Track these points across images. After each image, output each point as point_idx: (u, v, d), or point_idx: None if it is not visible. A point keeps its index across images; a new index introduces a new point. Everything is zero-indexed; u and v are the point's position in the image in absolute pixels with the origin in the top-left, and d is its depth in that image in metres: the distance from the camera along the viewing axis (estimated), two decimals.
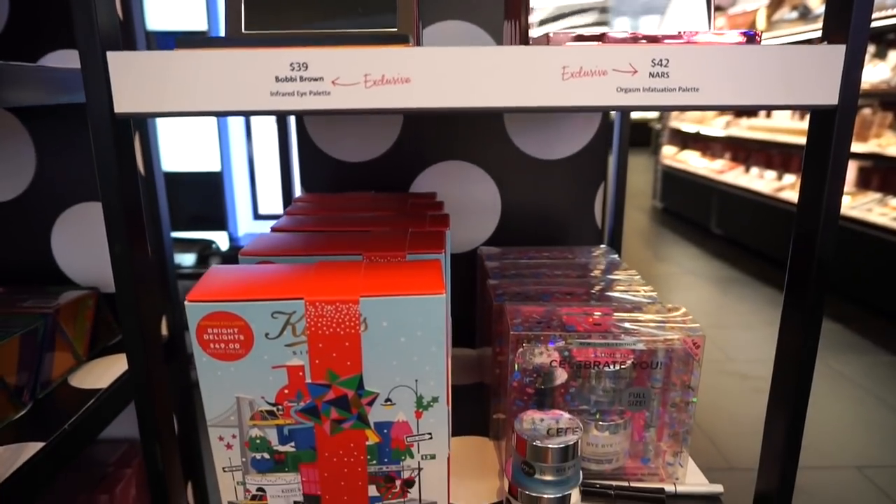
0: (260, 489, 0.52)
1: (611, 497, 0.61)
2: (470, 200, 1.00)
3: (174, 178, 2.76)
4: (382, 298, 0.46)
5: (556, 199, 0.99)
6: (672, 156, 5.71)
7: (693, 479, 0.65)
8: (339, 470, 0.52)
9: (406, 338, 0.48)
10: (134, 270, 0.47)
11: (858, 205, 3.23)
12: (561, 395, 0.62)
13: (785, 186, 3.93)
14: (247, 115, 0.52)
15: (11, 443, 0.73)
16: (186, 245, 2.43)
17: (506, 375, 0.64)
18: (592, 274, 0.78)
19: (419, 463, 0.52)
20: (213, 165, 2.60)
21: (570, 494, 0.55)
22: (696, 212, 5.01)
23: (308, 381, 0.48)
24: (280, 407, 0.49)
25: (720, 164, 4.90)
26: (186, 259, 2.42)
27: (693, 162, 5.27)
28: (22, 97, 0.66)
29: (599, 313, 0.64)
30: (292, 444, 0.51)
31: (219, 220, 2.59)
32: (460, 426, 0.76)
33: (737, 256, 4.19)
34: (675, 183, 5.45)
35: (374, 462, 0.52)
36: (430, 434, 0.51)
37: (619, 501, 0.61)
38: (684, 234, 4.91)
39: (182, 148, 2.60)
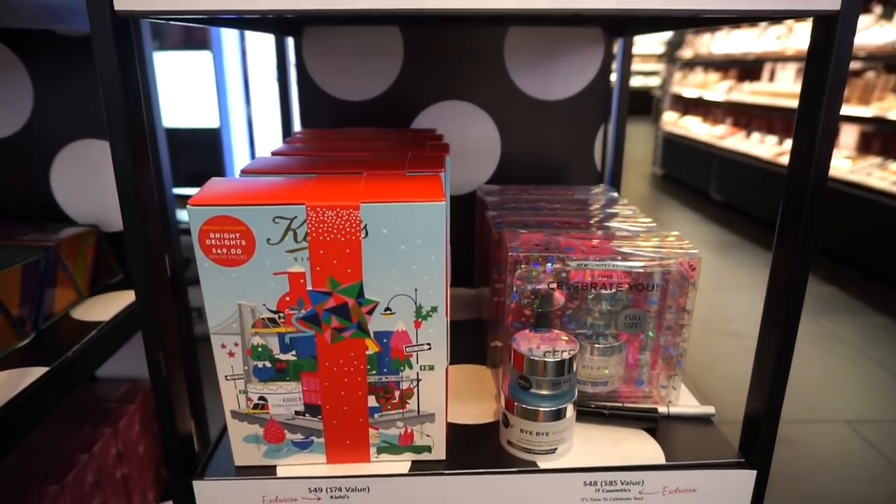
0: (262, 398, 0.53)
1: (605, 416, 0.63)
2: (469, 141, 0.99)
3: (173, 135, 2.74)
4: (383, 205, 0.47)
5: (555, 141, 0.99)
6: (673, 122, 5.67)
7: (685, 402, 0.67)
8: (340, 379, 0.53)
9: (406, 246, 0.48)
10: (136, 179, 0.47)
11: (858, 169, 3.23)
12: (558, 317, 0.63)
13: (786, 152, 3.91)
14: (246, 16, 0.52)
15: (15, 368, 0.74)
16: (186, 201, 2.42)
17: (504, 302, 0.65)
18: (592, 208, 0.79)
19: (418, 374, 0.53)
20: (212, 122, 2.58)
21: (565, 409, 0.56)
22: (696, 178, 4.99)
23: (309, 288, 0.49)
24: (281, 315, 0.50)
25: (721, 129, 4.87)
26: (186, 215, 2.41)
27: (694, 128, 5.23)
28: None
29: (598, 240, 0.65)
30: (293, 352, 0.51)
31: (218, 176, 2.58)
32: (458, 356, 0.77)
33: (736, 222, 4.19)
34: (676, 149, 5.42)
35: (374, 372, 0.53)
36: (428, 345, 0.52)
37: (613, 420, 0.63)
38: (684, 200, 4.91)
39: (181, 104, 2.57)
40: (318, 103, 0.97)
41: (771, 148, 4.08)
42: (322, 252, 0.48)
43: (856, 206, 3.11)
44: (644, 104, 8.06)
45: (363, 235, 0.48)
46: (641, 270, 0.61)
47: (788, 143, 3.99)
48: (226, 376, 0.52)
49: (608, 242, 0.64)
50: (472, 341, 0.81)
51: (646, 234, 0.67)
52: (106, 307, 0.92)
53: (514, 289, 0.61)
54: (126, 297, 0.96)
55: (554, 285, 0.61)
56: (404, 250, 0.48)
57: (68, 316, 0.89)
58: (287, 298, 0.49)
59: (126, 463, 1.01)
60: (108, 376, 1.14)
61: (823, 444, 1.81)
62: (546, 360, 0.54)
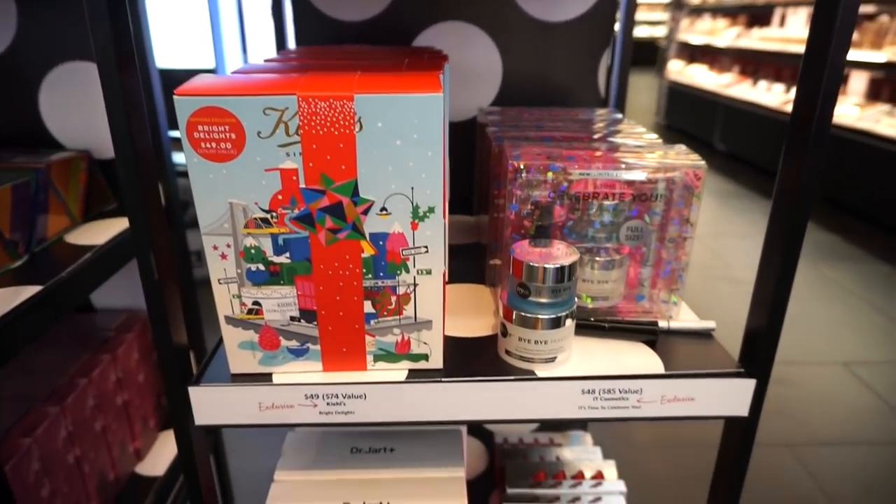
0: (256, 303, 0.52)
1: (604, 330, 0.62)
2: (470, 65, 0.96)
3: (167, 76, 2.68)
4: (378, 96, 0.45)
5: (559, 64, 0.96)
6: (678, 71, 5.55)
7: (686, 318, 0.66)
8: (335, 283, 0.52)
9: (402, 141, 0.46)
10: (126, 94, 0.45)
11: (866, 116, 3.17)
12: (558, 229, 0.61)
13: (793, 100, 3.83)
14: None
15: (9, 287, 0.73)
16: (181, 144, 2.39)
17: (503, 218, 0.63)
18: (596, 126, 0.76)
19: (415, 278, 0.52)
20: (207, 62, 2.52)
21: (564, 317, 0.55)
22: (699, 128, 4.92)
23: (302, 185, 0.47)
24: (274, 214, 0.49)
25: (727, 77, 4.77)
26: (182, 158, 2.38)
27: (699, 77, 5.13)
28: None
29: (601, 151, 0.63)
30: (287, 254, 0.50)
31: None
32: (457, 276, 0.76)
33: (739, 171, 4.15)
34: (680, 99, 5.32)
35: (370, 276, 0.52)
36: (426, 247, 0.51)
37: (613, 334, 0.62)
38: None
39: (175, 44, 2.51)
40: (314, 23, 0.93)
41: (778, 96, 4.00)
42: (315, 147, 0.46)
43: (862, 154, 3.07)
44: (649, 55, 7.87)
45: (357, 129, 0.46)
46: (645, 180, 0.59)
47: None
48: (219, 280, 0.51)
49: (612, 153, 0.62)
50: (471, 263, 0.80)
51: (651, 147, 0.65)
52: (100, 232, 0.91)
53: (514, 198, 0.60)
54: (121, 224, 0.94)
55: (555, 195, 0.60)
56: (400, 146, 0.46)
57: (62, 240, 0.88)
58: (279, 197, 0.48)
59: (126, 390, 1.02)
60: (106, 307, 1.13)
61: (819, 384, 1.82)
62: (545, 265, 0.53)
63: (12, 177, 0.80)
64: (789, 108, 3.80)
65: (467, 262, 0.80)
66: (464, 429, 0.75)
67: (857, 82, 3.46)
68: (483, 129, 0.81)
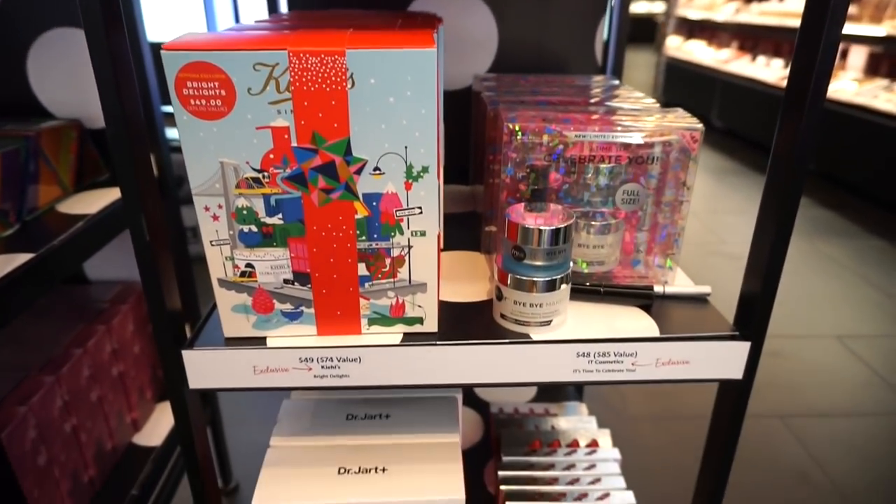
0: (249, 265, 0.52)
1: (600, 294, 0.62)
2: (466, 31, 0.95)
3: (159, 49, 2.64)
4: (370, 51, 0.44)
5: (555, 31, 0.95)
6: (676, 47, 5.50)
7: (681, 283, 0.66)
8: (328, 245, 0.51)
9: (395, 98, 0.46)
10: (113, 56, 0.44)
11: (864, 91, 3.15)
12: (554, 193, 0.61)
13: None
14: None
15: (1, 254, 0.73)
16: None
17: (498, 183, 0.63)
18: (592, 91, 0.75)
19: (409, 240, 0.52)
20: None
21: (559, 280, 0.55)
22: (697, 104, 4.89)
23: (294, 144, 0.47)
24: (266, 174, 0.48)
25: (726, 53, 4.73)
26: (175, 133, 2.37)
27: (698, 53, 5.08)
28: None
29: (597, 115, 0.62)
30: (280, 215, 0.50)
31: None
32: (452, 244, 0.76)
33: (736, 148, 4.14)
34: (678, 75, 5.28)
35: (364, 238, 0.51)
36: (420, 208, 0.50)
37: (608, 298, 0.62)
38: None
39: (167, 17, 2.47)
40: None
41: (777, 71, 3.97)
42: (306, 104, 0.45)
43: (860, 129, 3.06)
44: (647, 31, 7.79)
45: (349, 86, 0.45)
46: (642, 143, 0.58)
47: None
48: (211, 242, 0.51)
49: (608, 117, 0.61)
50: (466, 232, 0.79)
51: (648, 110, 0.64)
52: (92, 202, 0.90)
53: (510, 162, 0.59)
54: (113, 194, 0.93)
55: (550, 158, 0.59)
56: (393, 103, 0.46)
57: (53, 210, 0.87)
58: (271, 156, 0.47)
59: (122, 361, 1.02)
60: (100, 279, 1.13)
61: (812, 357, 1.84)
62: (541, 227, 0.53)
63: (2, 144, 0.79)
64: None
65: (462, 231, 0.80)
66: (459, 396, 0.76)
67: (856, 57, 3.43)
68: (478, 97, 0.80)
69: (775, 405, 1.62)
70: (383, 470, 0.65)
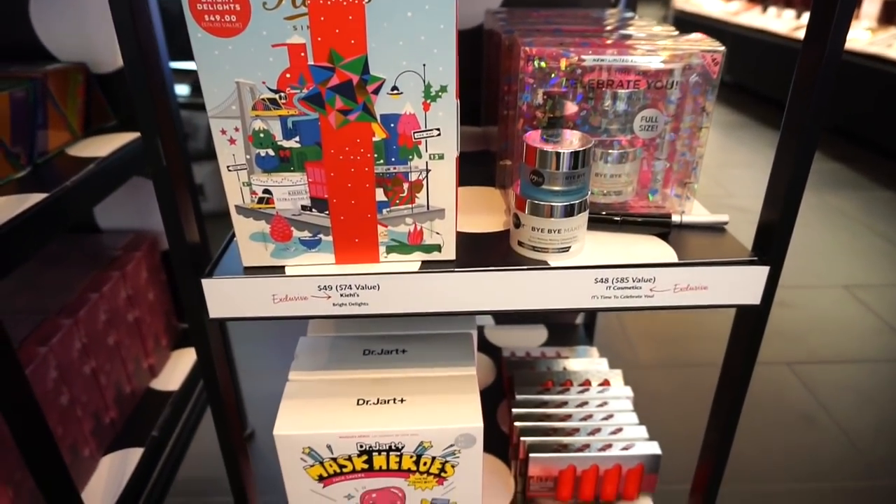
0: (266, 191, 0.52)
1: (617, 223, 0.62)
2: None
3: (166, 7, 2.59)
4: None
5: None
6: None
7: (698, 213, 0.65)
8: (346, 170, 0.51)
9: (413, 12, 0.45)
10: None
11: (878, 40, 3.08)
12: (571, 121, 0.60)
13: (803, 25, 3.72)
14: None
15: (14, 195, 0.73)
16: (181, 76, 2.34)
17: (513, 115, 0.62)
18: (607, 21, 0.74)
19: (427, 164, 0.51)
20: None
21: (578, 205, 0.54)
22: None
23: (310, 62, 0.46)
24: (282, 94, 0.47)
25: (736, 5, 4.62)
26: (181, 90, 2.34)
27: (707, 5, 4.96)
28: None
29: (614, 40, 0.61)
30: (297, 138, 0.49)
31: None
32: (467, 181, 0.75)
33: (744, 102, 4.07)
34: (687, 30, 5.14)
35: (381, 161, 0.51)
36: (438, 130, 0.50)
37: (626, 227, 0.62)
38: None
39: None
40: None
41: (788, 22, 3.88)
42: (323, 19, 0.44)
43: (872, 80, 3.00)
44: None
45: None
46: (661, 66, 0.57)
47: (807, 16, 3.78)
48: (228, 167, 0.51)
49: (626, 41, 0.60)
50: (481, 169, 0.79)
51: (666, 35, 0.63)
52: (102, 146, 0.89)
53: (527, 88, 0.58)
54: (123, 138, 0.93)
55: (567, 84, 0.58)
56: (411, 17, 0.45)
57: (64, 153, 0.87)
58: (287, 75, 0.46)
59: (137, 307, 1.02)
60: (112, 228, 1.13)
61: (820, 306, 1.84)
62: (560, 150, 0.52)
63: (9, 85, 0.78)
64: (800, 34, 3.70)
65: (476, 168, 0.79)
66: (474, 332, 0.76)
67: (871, 6, 3.34)
68: (491, 33, 0.78)
69: (782, 353, 1.63)
70: (401, 401, 0.66)
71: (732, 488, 1.21)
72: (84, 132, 0.94)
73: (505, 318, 1.25)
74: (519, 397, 0.92)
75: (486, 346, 1.17)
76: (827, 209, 2.49)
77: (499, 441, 0.95)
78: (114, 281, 0.96)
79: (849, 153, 3.10)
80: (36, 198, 0.72)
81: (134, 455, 0.93)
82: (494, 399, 1.04)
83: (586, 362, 1.03)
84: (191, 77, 2.37)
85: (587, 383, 0.95)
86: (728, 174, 2.84)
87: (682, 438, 1.05)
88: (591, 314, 1.20)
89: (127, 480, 0.88)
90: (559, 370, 0.99)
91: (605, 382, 0.95)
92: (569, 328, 1.23)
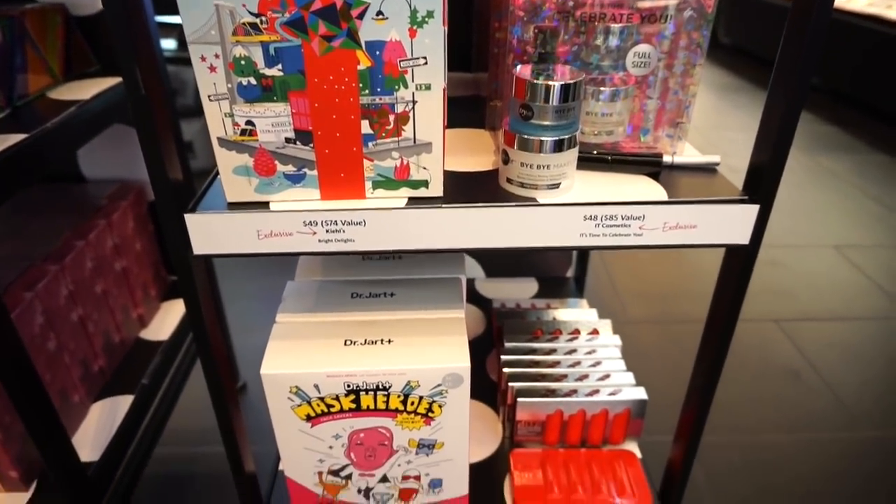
0: (249, 122, 0.51)
1: (608, 163, 0.61)
2: None
3: None
4: None
5: None
6: None
7: (690, 154, 0.65)
8: (330, 100, 0.50)
9: None
10: None
11: (877, 0, 3.04)
12: (562, 56, 0.59)
13: None
14: None
15: None
16: (167, 30, 2.29)
17: (503, 53, 0.61)
18: None
19: (413, 94, 0.50)
20: None
21: (568, 140, 0.54)
22: None
23: None
24: (264, 18, 0.46)
25: None
26: (168, 44, 2.30)
27: None
28: None
29: None
30: (279, 66, 0.48)
31: None
32: (456, 123, 0.74)
33: (742, 65, 4.03)
34: None
35: (367, 91, 0.49)
36: (424, 59, 0.48)
37: (616, 167, 0.61)
38: None
39: None
40: None
41: None
42: None
43: (871, 41, 2.96)
44: None
45: None
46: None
47: None
48: (209, 96, 0.49)
49: None
50: (469, 113, 0.77)
51: None
52: (84, 90, 0.87)
53: (517, 21, 0.56)
54: (105, 83, 0.91)
55: (559, 19, 0.56)
56: None
57: (44, 96, 0.85)
58: None
59: (124, 256, 1.02)
60: (97, 178, 1.11)
61: (810, 266, 1.85)
62: (550, 83, 0.51)
63: None
64: None
65: (465, 112, 0.78)
66: (464, 277, 0.76)
67: None
68: None
69: (770, 310, 1.65)
70: (389, 341, 0.66)
71: (718, 438, 1.23)
72: (65, 76, 0.91)
73: (496, 270, 1.25)
74: (508, 345, 0.92)
75: (476, 298, 1.17)
76: (820, 171, 2.48)
77: (488, 389, 0.96)
78: (100, 229, 0.95)
79: (844, 116, 3.09)
80: (15, 138, 0.70)
81: (124, 402, 0.93)
82: (484, 349, 1.05)
83: (576, 313, 1.03)
84: (177, 31, 2.32)
85: (576, 332, 0.96)
86: (722, 136, 2.82)
87: (668, 391, 1.07)
88: (582, 267, 1.20)
89: (117, 427, 0.89)
90: (549, 320, 1.00)
91: (594, 332, 0.96)
92: (560, 281, 1.23)
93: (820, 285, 1.76)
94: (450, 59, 0.92)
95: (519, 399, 0.82)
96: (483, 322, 1.11)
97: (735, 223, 0.57)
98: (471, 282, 1.23)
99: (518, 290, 1.19)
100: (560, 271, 1.25)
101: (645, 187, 0.59)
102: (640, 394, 0.82)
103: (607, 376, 0.86)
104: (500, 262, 1.24)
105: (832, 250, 1.92)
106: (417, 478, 0.73)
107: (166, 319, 1.11)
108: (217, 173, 0.58)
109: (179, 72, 2.44)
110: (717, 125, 2.97)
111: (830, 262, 1.87)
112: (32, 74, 0.84)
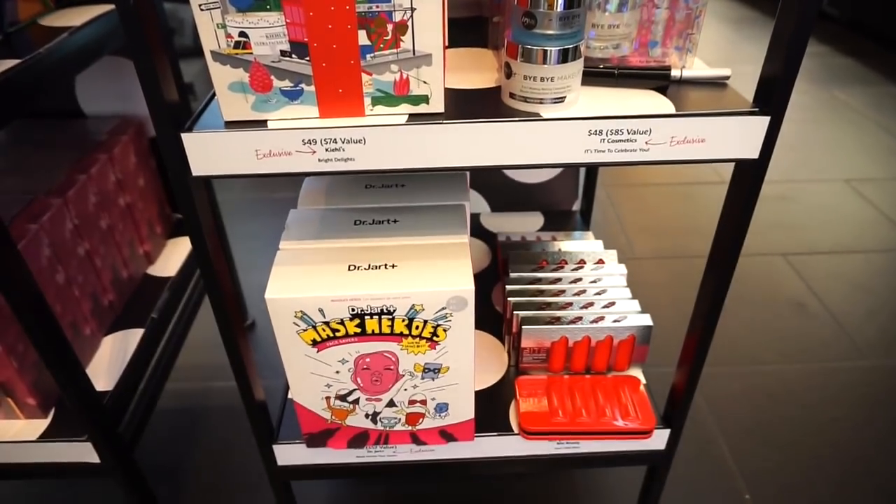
0: (242, 34, 0.49)
1: (614, 77, 0.59)
2: None
3: None
4: None
5: None
6: None
7: (700, 67, 0.63)
8: (325, 8, 0.48)
9: None
10: None
11: None
12: None
13: None
14: None
15: None
16: None
17: None
18: None
19: (412, 2, 0.48)
20: None
21: (572, 50, 0.52)
22: None
23: None
24: None
25: None
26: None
27: None
28: None
29: None
30: None
31: None
32: (457, 43, 0.72)
33: None
34: None
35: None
36: None
37: (623, 82, 0.59)
38: None
39: None
40: None
41: None
42: None
43: None
44: None
45: None
46: None
47: None
48: (200, 5, 0.48)
49: None
50: (472, 33, 0.75)
51: None
52: (76, 17, 0.85)
53: None
54: (98, 10, 0.88)
55: None
56: None
57: (36, 23, 0.83)
58: None
59: (127, 192, 1.01)
60: (97, 113, 1.10)
61: (819, 199, 1.83)
62: None
63: None
64: None
65: (468, 31, 0.75)
66: (468, 203, 0.75)
67: None
68: None
69: (778, 244, 1.64)
70: (393, 266, 0.66)
71: (722, 369, 1.25)
72: (56, 4, 0.89)
73: (501, 205, 1.24)
74: (513, 275, 0.92)
75: (481, 232, 1.17)
76: (834, 104, 2.42)
77: (493, 320, 0.97)
78: (101, 163, 0.94)
79: (862, 48, 2.99)
80: (8, 64, 0.69)
81: (135, 335, 0.95)
82: (489, 282, 1.05)
83: (581, 244, 1.03)
84: None
85: (581, 262, 0.95)
86: (734, 70, 2.74)
87: (674, 325, 1.07)
88: (588, 201, 1.19)
89: (129, 359, 0.90)
90: (554, 251, 0.99)
91: (600, 261, 0.95)
92: (565, 215, 1.22)
93: (829, 218, 1.74)
94: None
95: (524, 326, 0.82)
96: (488, 255, 1.11)
97: (744, 137, 0.55)
98: (476, 216, 1.22)
99: (523, 224, 1.19)
100: (566, 205, 1.24)
101: (652, 101, 0.57)
102: (646, 320, 0.83)
103: (612, 304, 0.86)
104: (505, 196, 1.23)
105: (843, 184, 1.89)
106: (423, 402, 0.74)
107: (173, 256, 1.12)
108: (214, 94, 0.57)
109: (177, 9, 2.38)
110: (728, 59, 2.88)
111: (841, 195, 1.84)
112: (23, 2, 0.82)
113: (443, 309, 0.65)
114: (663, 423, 0.81)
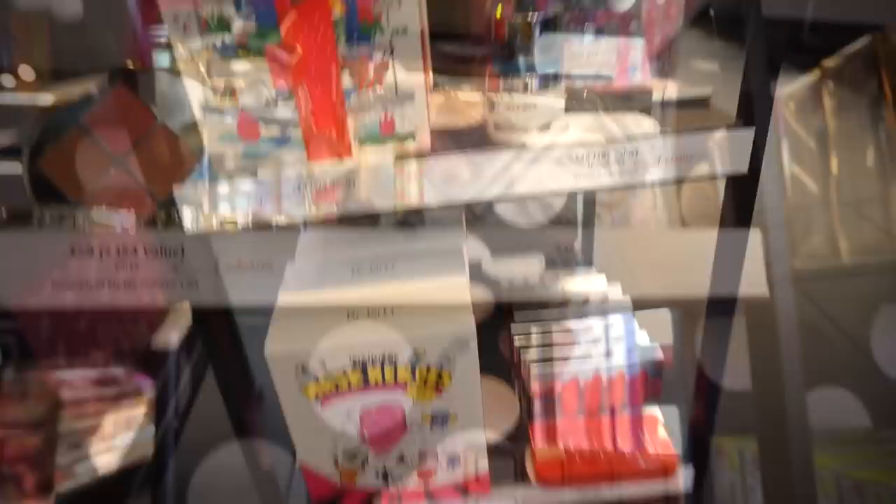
0: (228, 84, 0.50)
1: (597, 104, 0.60)
2: None
3: None
4: None
5: None
6: None
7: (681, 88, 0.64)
8: (307, 53, 0.49)
9: None
10: None
11: None
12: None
13: None
14: None
15: None
16: None
17: None
18: None
19: (391, 41, 0.49)
20: None
21: (552, 77, 0.52)
22: None
23: None
24: None
25: None
26: None
27: None
28: None
29: None
30: (253, 20, 0.47)
31: None
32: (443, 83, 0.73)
33: None
34: None
35: (343, 40, 0.48)
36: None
37: (607, 106, 0.60)
38: None
39: None
40: None
41: None
42: None
43: None
44: None
45: None
46: None
47: None
48: (184, 60, 0.49)
49: None
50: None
51: None
52: None
53: None
54: None
55: None
56: None
57: None
58: None
59: None
60: None
61: None
62: (530, 19, 0.50)
63: None
64: None
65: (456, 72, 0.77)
66: (464, 244, 0.75)
67: None
68: None
69: None
70: (392, 311, 0.65)
71: None
72: None
73: (501, 250, 1.24)
74: (518, 320, 0.91)
75: (484, 280, 1.15)
76: None
77: (502, 367, 0.95)
78: None
79: None
80: None
81: None
82: (496, 329, 1.03)
83: (585, 281, 1.01)
84: None
85: (586, 300, 0.94)
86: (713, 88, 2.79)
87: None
88: (589, 236, 1.19)
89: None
90: (557, 291, 0.98)
91: (604, 297, 0.94)
92: (567, 253, 1.22)
93: None
94: None
95: (532, 370, 0.80)
96: (493, 302, 1.09)
97: (732, 150, 0.55)
98: (477, 264, 1.21)
99: (525, 267, 1.18)
100: (566, 244, 1.23)
101: (637, 124, 0.57)
102: (656, 353, 0.80)
103: (620, 339, 0.83)
104: (504, 242, 1.23)
105: None
106: (434, 454, 0.71)
107: None
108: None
109: None
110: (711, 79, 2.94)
111: None
112: None
113: (445, 351, 0.63)
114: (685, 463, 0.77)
